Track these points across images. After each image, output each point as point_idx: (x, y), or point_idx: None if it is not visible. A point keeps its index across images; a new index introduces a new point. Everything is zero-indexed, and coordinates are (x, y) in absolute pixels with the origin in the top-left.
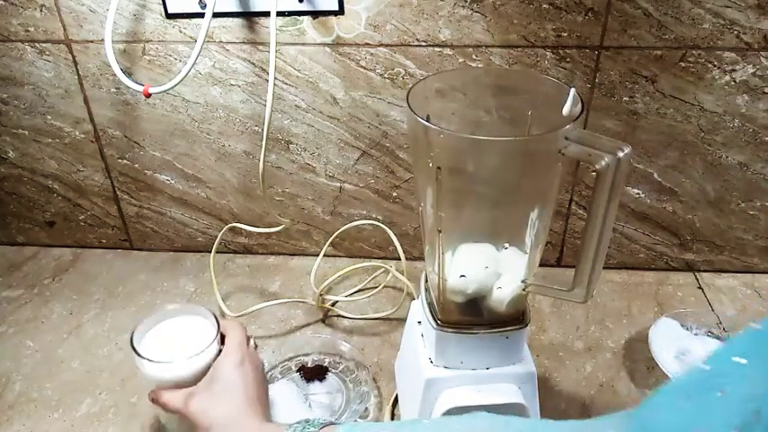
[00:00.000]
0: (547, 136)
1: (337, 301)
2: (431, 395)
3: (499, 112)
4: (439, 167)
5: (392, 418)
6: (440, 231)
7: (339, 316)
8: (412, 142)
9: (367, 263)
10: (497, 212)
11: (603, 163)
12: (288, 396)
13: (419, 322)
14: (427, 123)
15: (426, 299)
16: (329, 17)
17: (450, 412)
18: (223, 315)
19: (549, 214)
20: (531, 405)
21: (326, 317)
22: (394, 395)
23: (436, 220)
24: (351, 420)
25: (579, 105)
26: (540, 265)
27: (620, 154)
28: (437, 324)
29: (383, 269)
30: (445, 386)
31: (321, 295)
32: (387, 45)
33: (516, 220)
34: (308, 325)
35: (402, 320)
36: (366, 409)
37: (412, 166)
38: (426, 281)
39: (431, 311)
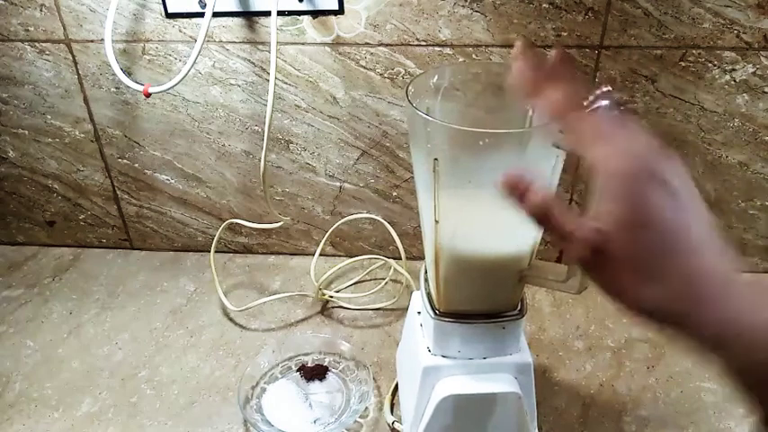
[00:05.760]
0: (541, 128)
1: (338, 298)
2: (428, 383)
3: (499, 109)
4: (436, 159)
5: (392, 407)
6: (437, 222)
7: (340, 307)
8: (410, 135)
9: (367, 256)
10: (495, 207)
11: None
12: (288, 396)
13: (419, 312)
14: (425, 115)
15: (425, 289)
16: (329, 17)
17: (446, 400)
18: (225, 312)
19: None
20: (528, 396)
21: (325, 308)
22: (394, 383)
23: (433, 210)
24: (351, 420)
25: None
26: None
27: None
28: (435, 314)
29: (383, 261)
30: (442, 375)
31: (321, 289)
32: (387, 45)
33: (513, 216)
34: (309, 317)
35: (401, 318)
36: (366, 408)
37: (411, 156)
38: (426, 272)
39: (429, 302)
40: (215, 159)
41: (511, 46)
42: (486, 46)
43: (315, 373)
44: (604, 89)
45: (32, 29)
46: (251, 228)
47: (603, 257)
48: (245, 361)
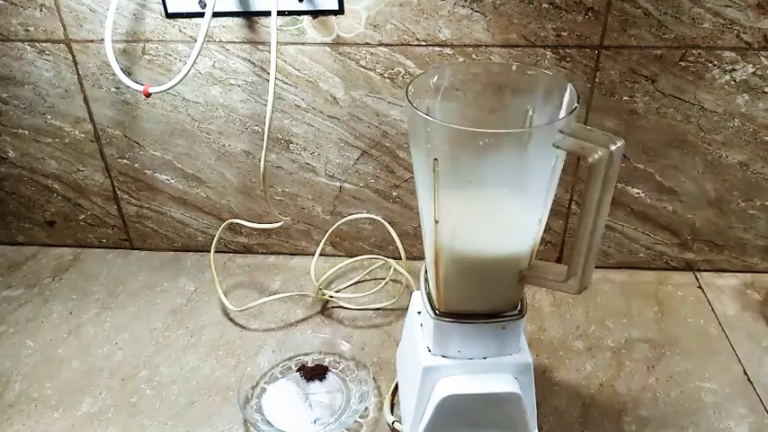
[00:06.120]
0: (541, 129)
1: (338, 298)
2: (428, 383)
3: (499, 109)
4: (436, 159)
5: (392, 407)
6: (437, 222)
7: (340, 307)
8: (410, 135)
9: (367, 256)
10: (495, 207)
11: (597, 156)
12: (288, 396)
13: (419, 312)
14: (425, 115)
15: (425, 289)
16: (329, 17)
17: (446, 400)
18: (225, 312)
19: (546, 210)
20: (528, 396)
21: (325, 308)
22: (394, 383)
23: (433, 210)
24: (351, 420)
25: (575, 99)
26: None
27: (613, 147)
28: (435, 314)
29: (383, 261)
30: (442, 375)
31: (321, 289)
32: (387, 44)
33: (513, 216)
34: (309, 317)
35: (401, 318)
36: (366, 408)
37: (411, 156)
38: (426, 272)
39: (429, 302)
40: (215, 159)
41: (511, 45)
42: (486, 46)
43: (315, 373)
44: None
45: (32, 29)
46: (251, 228)
47: None
48: (245, 361)
